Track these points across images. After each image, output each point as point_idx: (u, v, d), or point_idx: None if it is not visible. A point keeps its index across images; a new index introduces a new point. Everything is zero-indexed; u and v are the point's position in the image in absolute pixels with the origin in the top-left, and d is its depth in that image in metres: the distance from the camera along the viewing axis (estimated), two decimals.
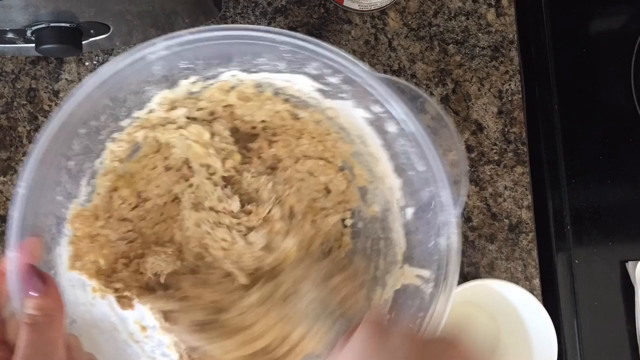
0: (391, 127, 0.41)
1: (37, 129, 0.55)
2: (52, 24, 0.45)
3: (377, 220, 0.49)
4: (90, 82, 0.37)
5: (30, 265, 0.36)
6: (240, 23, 0.57)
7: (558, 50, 0.58)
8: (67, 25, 0.45)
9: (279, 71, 0.43)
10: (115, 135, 0.43)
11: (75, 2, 0.42)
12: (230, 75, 0.43)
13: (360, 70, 0.39)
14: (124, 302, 0.45)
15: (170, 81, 0.42)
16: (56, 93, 0.56)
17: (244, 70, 0.43)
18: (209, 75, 0.43)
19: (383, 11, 0.58)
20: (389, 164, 0.45)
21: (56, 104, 0.56)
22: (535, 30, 0.59)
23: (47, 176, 0.38)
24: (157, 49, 0.38)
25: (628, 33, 0.58)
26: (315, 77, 0.42)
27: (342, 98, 0.43)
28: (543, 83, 0.58)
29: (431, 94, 0.57)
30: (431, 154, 0.39)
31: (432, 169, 0.39)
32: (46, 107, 0.56)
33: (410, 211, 0.45)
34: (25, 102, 0.56)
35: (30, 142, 0.55)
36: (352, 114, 0.44)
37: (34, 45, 0.46)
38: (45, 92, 0.56)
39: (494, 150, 0.57)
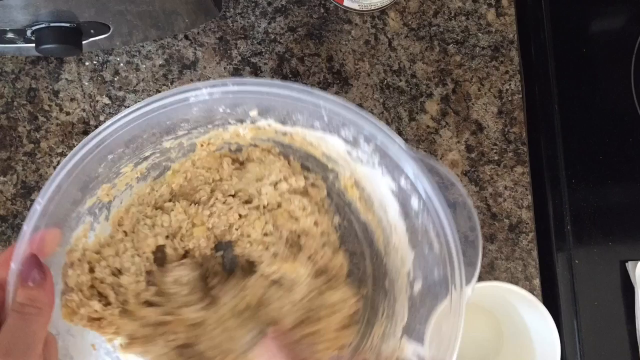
0: (414, 202, 0.41)
1: (37, 129, 0.55)
2: (52, 24, 0.45)
3: (381, 288, 0.49)
4: (135, 113, 0.39)
5: (34, 255, 0.36)
6: (240, 23, 0.57)
7: (558, 50, 0.58)
8: (67, 25, 0.45)
9: (314, 128, 0.43)
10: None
11: (75, 2, 0.42)
12: (266, 124, 0.44)
13: (395, 145, 0.40)
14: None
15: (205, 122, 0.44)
16: (56, 93, 0.56)
17: (279, 121, 0.44)
18: (245, 119, 0.44)
19: (383, 11, 0.57)
20: (405, 235, 0.45)
21: (56, 104, 0.56)
22: (535, 30, 0.59)
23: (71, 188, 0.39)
24: (200, 94, 0.39)
25: (628, 33, 0.58)
26: (349, 141, 0.43)
27: (371, 165, 0.43)
28: (543, 83, 0.58)
29: (431, 93, 0.57)
30: (451, 237, 0.39)
31: (450, 251, 0.39)
32: (46, 107, 0.56)
33: (418, 285, 0.44)
34: (25, 102, 0.56)
35: (30, 142, 0.55)
36: (378, 182, 0.45)
37: (34, 45, 0.46)
38: (45, 92, 0.56)
39: (494, 150, 0.57)
